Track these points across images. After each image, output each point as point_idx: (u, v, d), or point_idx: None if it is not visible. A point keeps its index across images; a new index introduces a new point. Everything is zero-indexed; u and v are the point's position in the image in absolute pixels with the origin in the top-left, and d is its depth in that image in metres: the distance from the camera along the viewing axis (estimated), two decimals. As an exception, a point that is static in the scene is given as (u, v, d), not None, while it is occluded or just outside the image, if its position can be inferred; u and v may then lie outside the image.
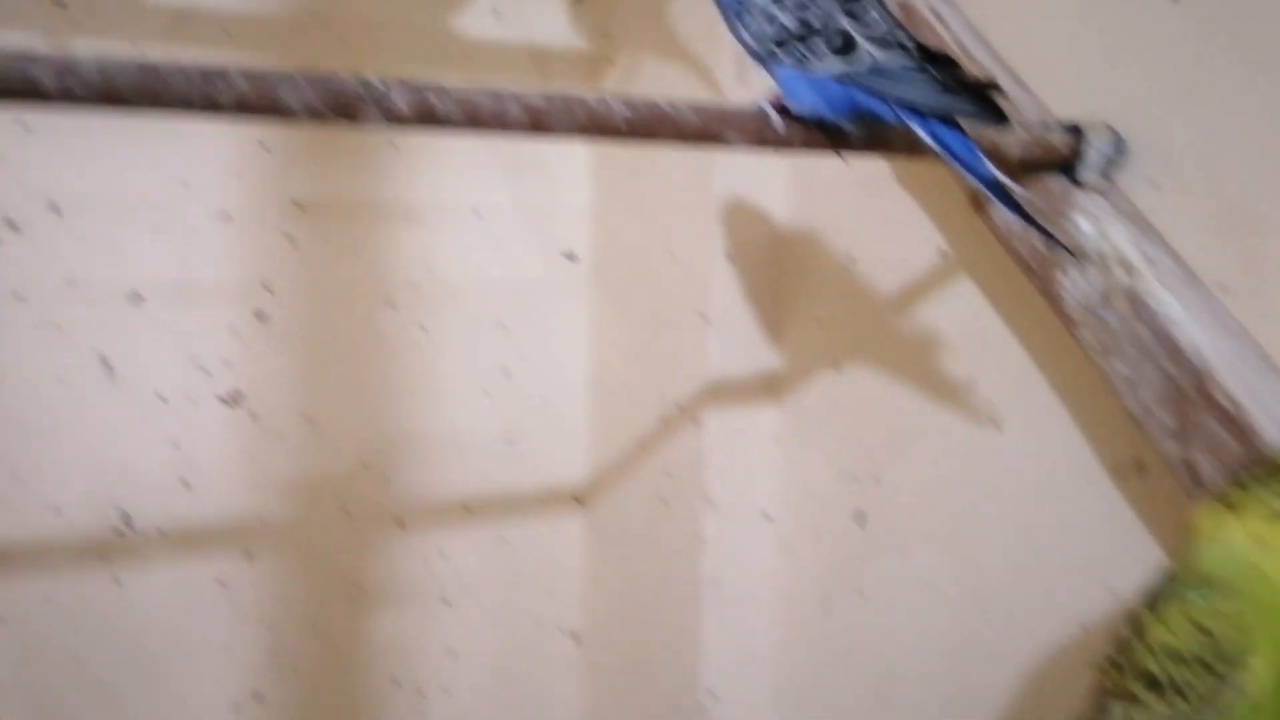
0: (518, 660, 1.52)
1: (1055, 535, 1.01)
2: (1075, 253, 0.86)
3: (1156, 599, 0.56)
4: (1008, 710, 1.05)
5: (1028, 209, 0.77)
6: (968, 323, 1.08)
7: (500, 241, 1.45)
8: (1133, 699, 0.55)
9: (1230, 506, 0.53)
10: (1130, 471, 0.94)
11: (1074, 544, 0.98)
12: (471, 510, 1.47)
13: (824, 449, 1.26)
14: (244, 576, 1.33)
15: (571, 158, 1.48)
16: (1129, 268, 0.86)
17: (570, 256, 1.50)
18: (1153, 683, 0.53)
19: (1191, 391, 0.79)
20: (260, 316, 1.31)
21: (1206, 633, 0.51)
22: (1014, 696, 1.03)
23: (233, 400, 1.30)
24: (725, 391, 1.30)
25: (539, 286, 1.48)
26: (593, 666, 1.52)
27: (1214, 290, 0.86)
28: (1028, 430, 1.03)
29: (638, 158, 1.39)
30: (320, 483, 1.39)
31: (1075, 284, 0.90)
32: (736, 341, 1.29)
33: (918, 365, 1.14)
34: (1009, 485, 1.05)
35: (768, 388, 1.32)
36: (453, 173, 1.40)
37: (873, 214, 1.18)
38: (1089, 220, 0.90)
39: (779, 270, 1.30)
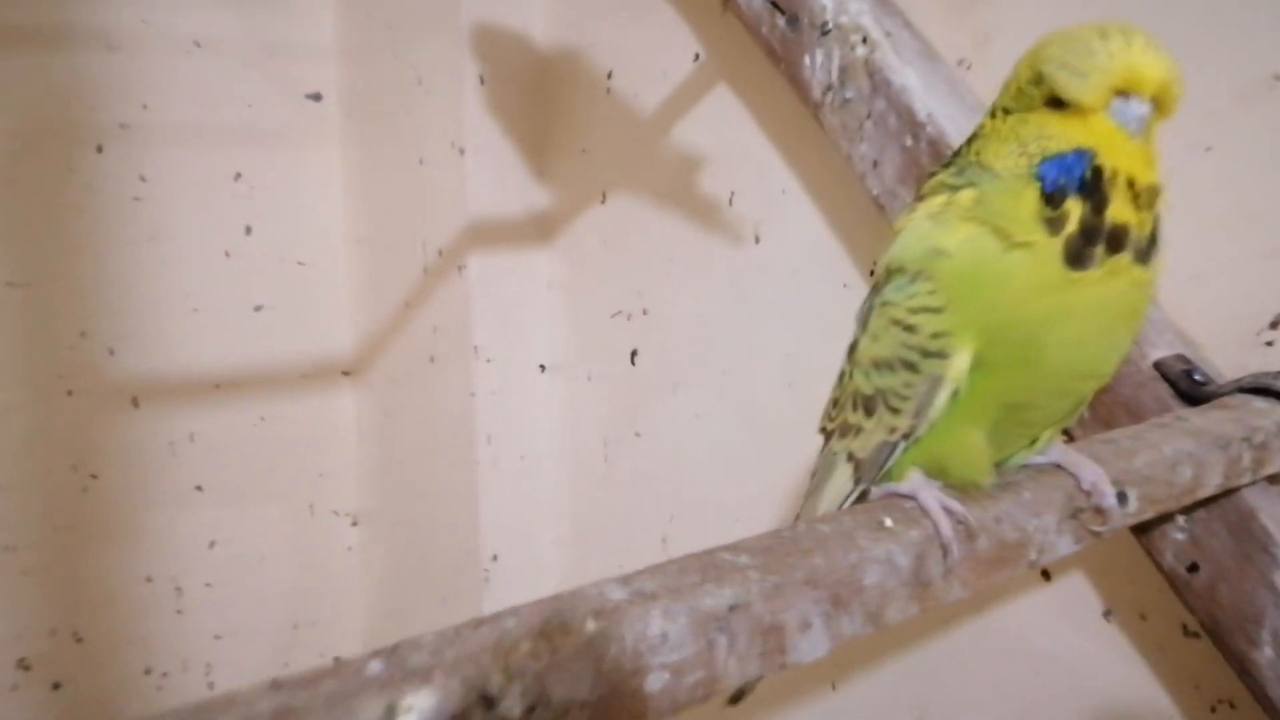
0: (288, 548, 1.40)
1: (816, 347, 0.96)
2: (784, 9, 0.79)
3: (865, 316, 0.50)
4: (787, 513, 1.00)
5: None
6: (725, 134, 1.00)
7: (229, 79, 1.27)
8: (853, 431, 0.51)
9: (919, 199, 0.47)
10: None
11: (834, 351, 0.93)
12: (221, 387, 1.32)
13: (596, 288, 1.17)
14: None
15: (310, -17, 1.31)
16: (868, 40, 0.80)
17: (315, 97, 1.34)
18: (867, 404, 0.50)
19: (929, 164, 0.74)
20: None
21: (907, 327, 0.46)
22: (789, 499, 0.99)
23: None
24: (490, 233, 1.19)
25: (281, 131, 1.31)
26: (372, 547, 1.41)
27: (952, 64, 0.81)
28: (786, 242, 0.97)
29: (381, -22, 1.24)
30: (36, 359, 1.21)
31: (818, 64, 0.83)
32: (498, 177, 1.18)
33: (681, 187, 1.06)
34: (771, 299, 0.99)
35: (536, 227, 1.21)
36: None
37: (630, 24, 1.08)
38: (832, -6, 0.82)
39: (540, 95, 1.18)
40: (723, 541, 0.40)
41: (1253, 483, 0.63)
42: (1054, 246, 0.42)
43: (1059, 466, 0.51)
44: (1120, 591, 0.78)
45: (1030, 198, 0.43)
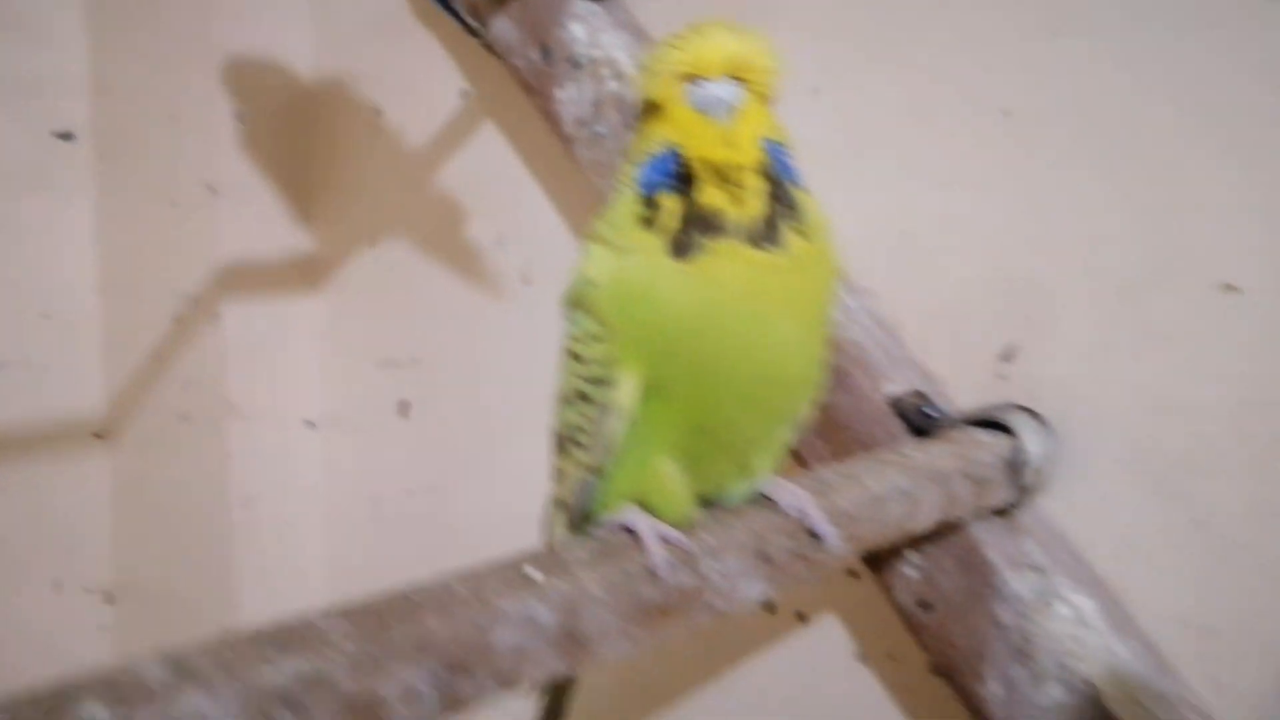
0: (33, 631, 1.24)
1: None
2: (479, 34, 0.83)
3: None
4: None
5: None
6: (492, 171, 0.96)
7: (-40, 112, 1.15)
8: (559, 475, 0.49)
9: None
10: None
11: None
12: (-52, 451, 1.17)
13: (365, 337, 1.10)
14: None
15: (59, 8, 1.21)
16: (620, 74, 0.77)
17: (65, 136, 1.23)
18: (562, 444, 0.49)
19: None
20: None
21: (576, 358, 0.45)
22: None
23: None
24: (247, 279, 1.10)
25: (25, 172, 1.20)
26: (128, 625, 1.27)
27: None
28: (555, 282, 0.92)
29: (134, 6, 1.15)
30: None
31: (570, 98, 0.80)
32: (256, 219, 1.10)
33: (449, 228, 1.01)
34: (543, 342, 0.94)
35: (301, 272, 1.13)
36: None
37: (397, 59, 1.03)
38: (582, 26, 0.80)
39: (304, 133, 1.12)
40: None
41: (978, 516, 0.62)
42: (659, 245, 0.41)
43: (767, 498, 0.48)
44: (871, 632, 0.76)
45: (633, 203, 0.42)
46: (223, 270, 1.08)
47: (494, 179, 0.96)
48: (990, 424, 0.64)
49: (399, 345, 1.07)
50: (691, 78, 0.41)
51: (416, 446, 1.07)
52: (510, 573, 0.37)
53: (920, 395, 0.67)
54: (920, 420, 0.65)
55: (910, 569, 0.65)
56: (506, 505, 0.98)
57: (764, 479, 0.48)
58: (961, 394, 0.69)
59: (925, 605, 0.64)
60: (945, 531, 0.63)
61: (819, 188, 0.73)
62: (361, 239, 1.09)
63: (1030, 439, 0.62)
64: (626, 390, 0.42)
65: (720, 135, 0.41)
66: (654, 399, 0.42)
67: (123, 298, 1.21)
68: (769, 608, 0.81)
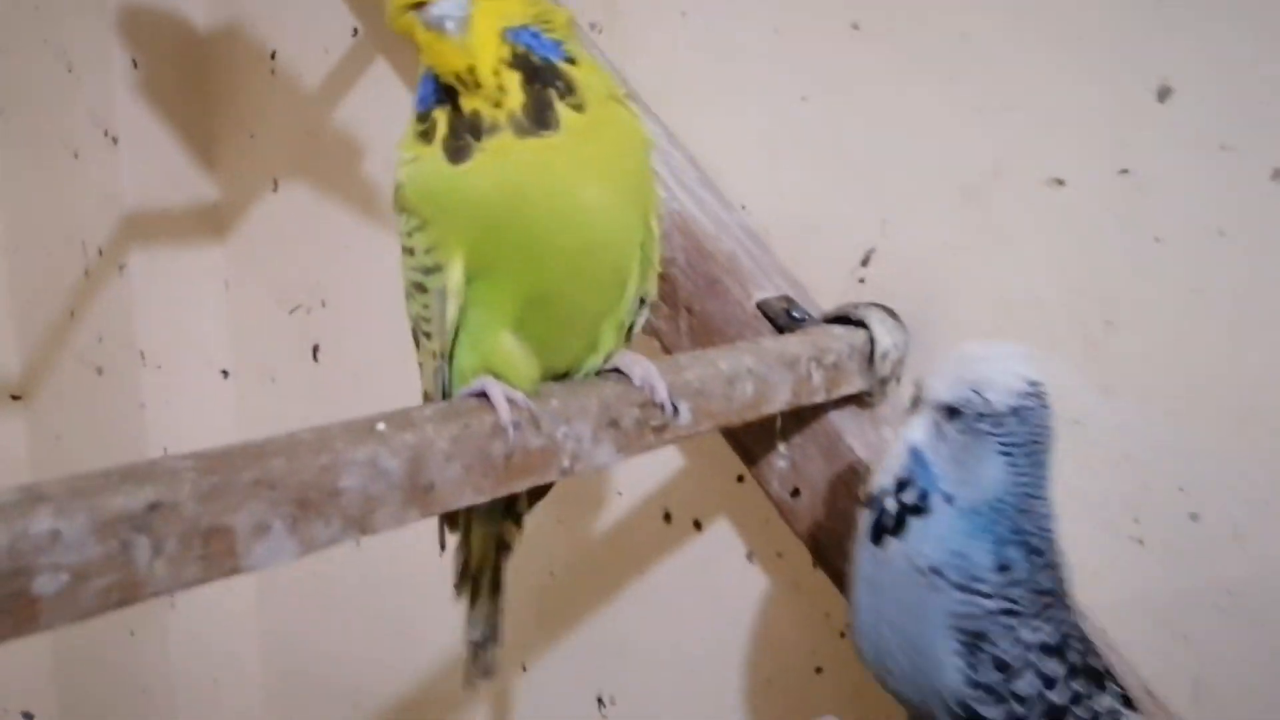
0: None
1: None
2: None
3: None
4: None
5: None
6: (386, 109, 0.98)
7: None
8: (420, 369, 0.53)
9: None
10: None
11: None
12: None
13: (272, 282, 1.12)
14: None
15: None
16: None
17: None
18: (415, 338, 0.52)
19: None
20: None
21: (408, 251, 0.48)
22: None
23: None
24: (152, 228, 1.11)
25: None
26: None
27: (586, 29, 0.82)
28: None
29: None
30: None
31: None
32: (158, 167, 1.10)
33: (349, 169, 1.03)
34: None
35: (205, 220, 1.14)
36: None
37: (288, 0, 1.04)
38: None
39: (201, 78, 1.12)
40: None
41: (837, 404, 0.67)
42: (437, 154, 0.45)
43: (618, 371, 0.51)
44: (759, 533, 0.80)
45: (413, 123, 0.47)
46: (127, 220, 1.09)
47: (389, 115, 0.98)
48: (849, 322, 0.68)
49: (306, 289, 1.08)
50: (417, 4, 0.44)
51: (330, 389, 1.09)
52: (359, 427, 0.40)
53: (787, 299, 0.71)
54: (786, 322, 0.69)
55: (780, 460, 0.69)
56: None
57: (616, 355, 0.51)
58: (826, 300, 0.73)
59: (795, 493, 0.69)
60: (808, 419, 0.67)
61: (688, 106, 0.77)
62: (264, 183, 1.10)
63: (881, 331, 0.66)
64: (453, 274, 0.46)
65: (455, 47, 0.44)
66: (481, 279, 0.46)
67: (31, 254, 1.21)
68: (666, 518, 0.86)
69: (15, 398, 1.28)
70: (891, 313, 0.68)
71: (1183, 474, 0.62)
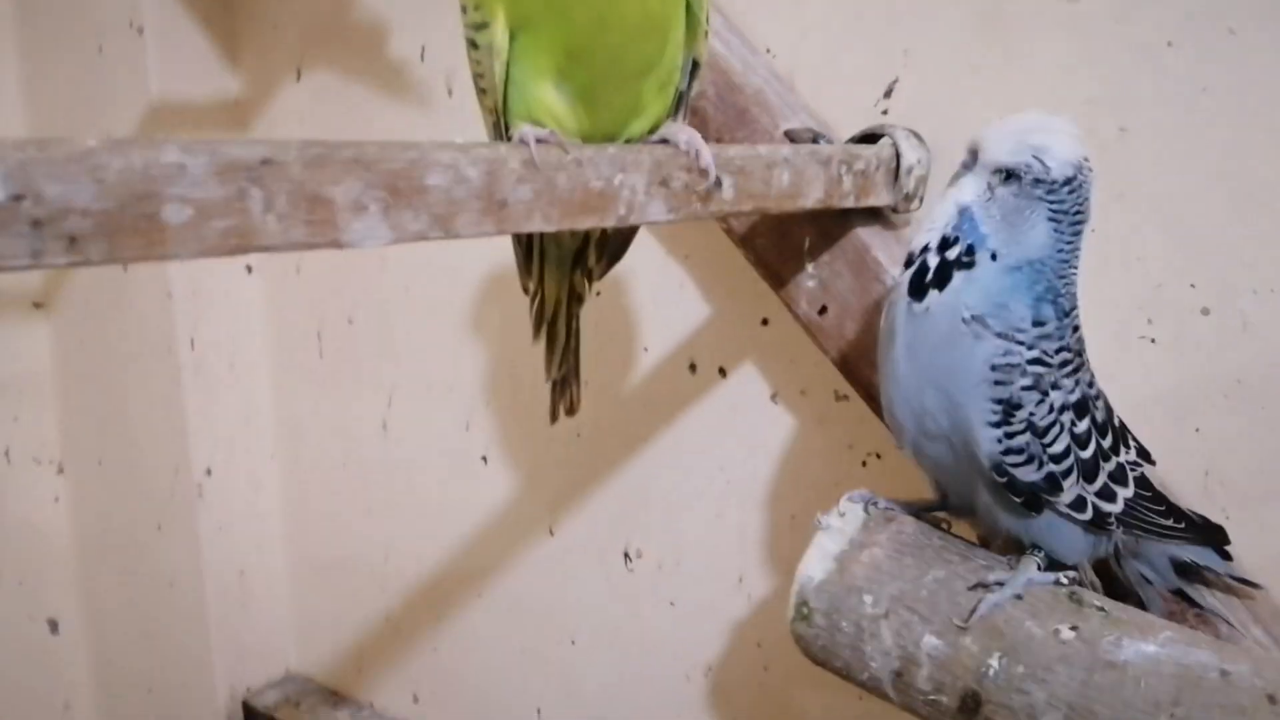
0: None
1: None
2: None
3: None
4: (515, 388, 1.01)
5: None
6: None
7: None
8: (482, 118, 0.57)
9: None
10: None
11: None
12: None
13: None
14: None
15: None
16: None
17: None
18: (477, 92, 0.56)
19: None
20: None
21: (462, 9, 0.53)
22: (516, 370, 0.99)
23: None
24: (178, 118, 1.12)
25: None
26: (81, 491, 1.30)
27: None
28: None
29: None
30: None
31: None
32: (183, 58, 1.12)
33: (373, 50, 1.05)
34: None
35: (230, 111, 1.16)
36: None
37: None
38: None
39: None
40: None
41: (864, 220, 0.70)
42: None
43: (665, 141, 0.54)
44: (783, 374, 0.83)
45: None
46: (152, 112, 1.11)
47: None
48: (868, 140, 0.71)
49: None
50: None
51: (356, 274, 1.11)
52: (441, 141, 0.43)
53: (812, 130, 0.74)
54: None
55: (809, 280, 0.72)
56: (444, 321, 1.04)
57: (664, 126, 0.55)
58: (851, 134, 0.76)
59: (823, 310, 0.72)
60: (836, 236, 0.70)
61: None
62: (288, 74, 1.12)
63: (907, 147, 0.69)
64: (497, 29, 0.50)
65: None
66: (523, 34, 0.50)
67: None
68: (692, 368, 0.89)
69: (37, 305, 1.30)
70: (915, 134, 0.71)
71: (1194, 271, 0.65)
